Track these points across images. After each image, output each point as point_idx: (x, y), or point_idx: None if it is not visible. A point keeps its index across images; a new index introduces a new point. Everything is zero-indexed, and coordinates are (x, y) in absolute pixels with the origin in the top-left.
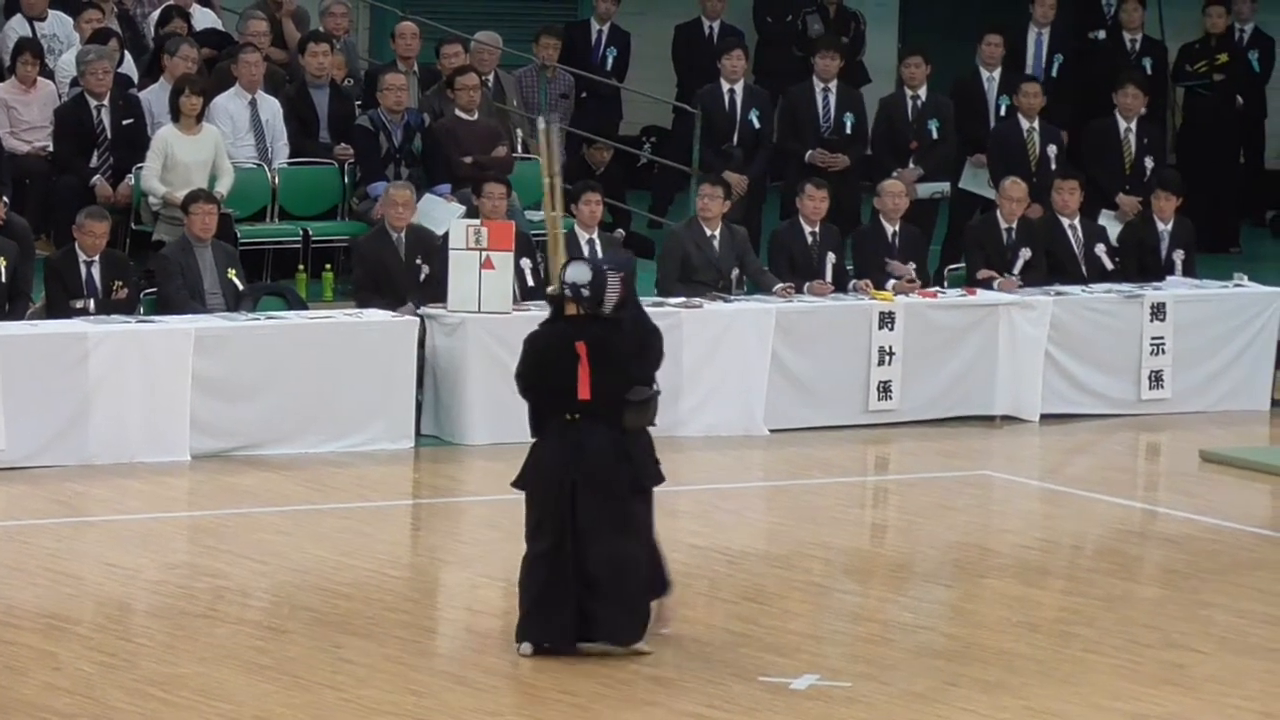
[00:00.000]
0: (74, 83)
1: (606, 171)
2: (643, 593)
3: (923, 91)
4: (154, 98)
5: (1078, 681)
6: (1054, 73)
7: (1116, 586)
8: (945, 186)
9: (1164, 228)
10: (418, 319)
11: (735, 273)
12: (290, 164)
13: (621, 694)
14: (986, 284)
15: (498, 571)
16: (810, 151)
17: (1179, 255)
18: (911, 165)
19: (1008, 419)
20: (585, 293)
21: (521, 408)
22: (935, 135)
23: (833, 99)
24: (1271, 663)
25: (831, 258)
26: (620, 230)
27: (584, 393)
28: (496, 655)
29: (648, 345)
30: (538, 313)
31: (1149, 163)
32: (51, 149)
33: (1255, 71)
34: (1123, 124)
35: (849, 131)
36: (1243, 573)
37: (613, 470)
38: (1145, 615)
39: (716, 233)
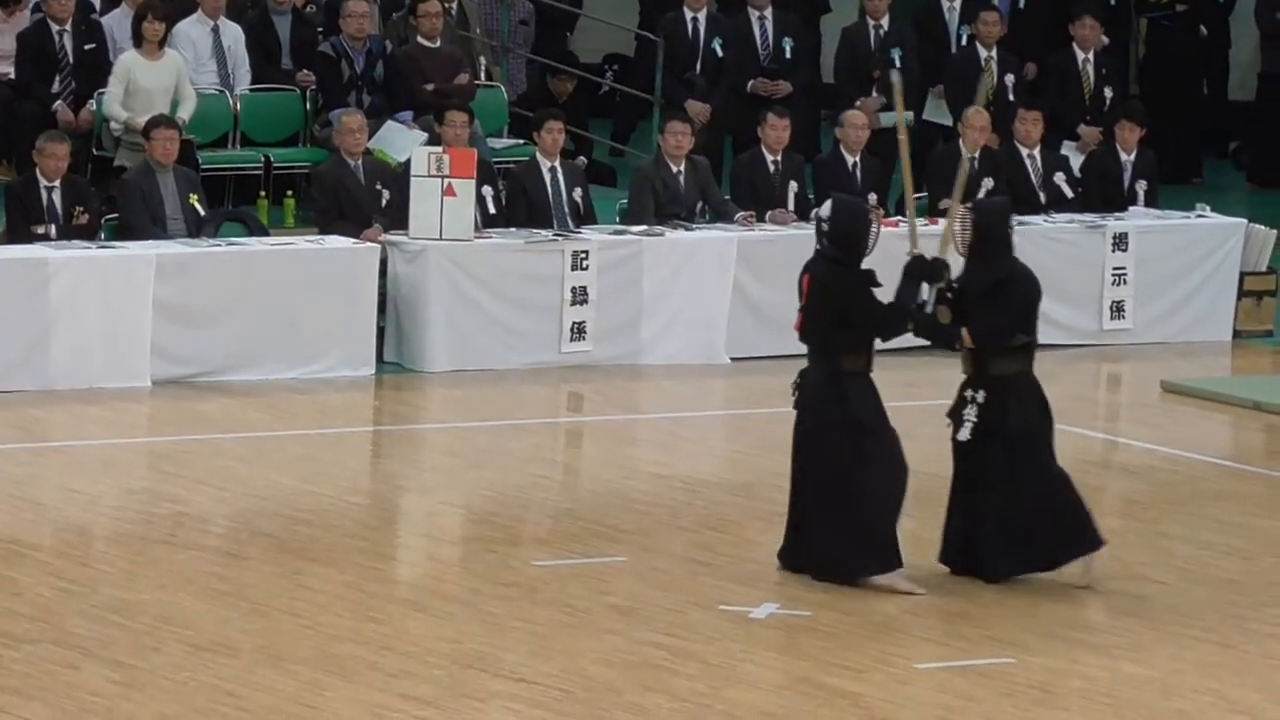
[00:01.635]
0: (36, 8)
1: (568, 99)
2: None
3: (885, 21)
4: (116, 23)
5: (1035, 612)
6: (1020, 3)
7: None
8: (910, 116)
9: (1127, 158)
10: (379, 246)
11: (699, 204)
12: (252, 90)
13: (581, 622)
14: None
15: (457, 499)
16: (751, 81)
17: (1141, 186)
18: (874, 95)
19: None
20: None
21: (480, 335)
22: (898, 64)
23: (769, 26)
24: (1231, 594)
25: (794, 186)
26: (582, 158)
27: None
28: (456, 582)
29: None
30: (500, 240)
31: (1108, 93)
32: (13, 75)
33: (1219, 2)
34: (1080, 55)
35: (789, 57)
36: (1203, 504)
37: None
38: (1107, 545)
39: (681, 168)
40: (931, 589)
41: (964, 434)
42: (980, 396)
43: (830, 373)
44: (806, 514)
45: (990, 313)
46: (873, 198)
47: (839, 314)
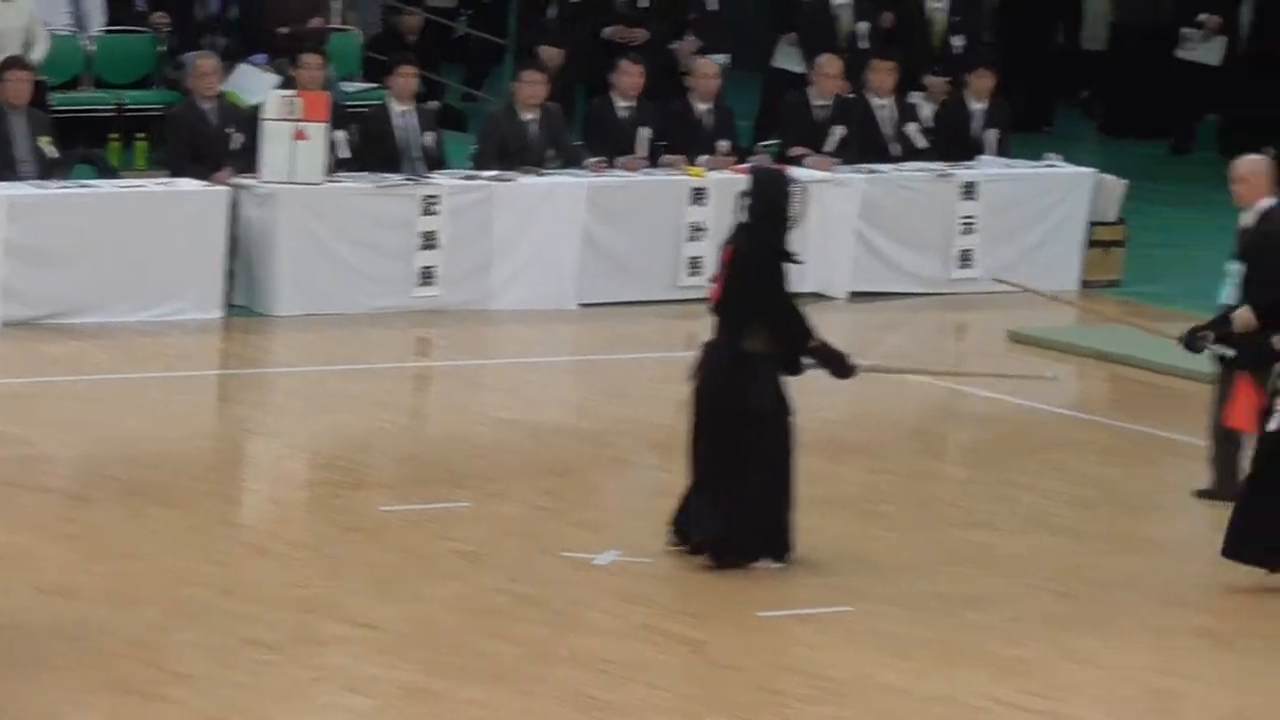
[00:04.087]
0: None
1: (421, 43)
2: None
3: None
4: None
5: (880, 560)
6: None
7: (921, 464)
8: (726, 57)
9: (979, 106)
10: (229, 189)
11: (550, 151)
12: (105, 32)
13: (425, 567)
14: (799, 161)
15: (304, 443)
16: (608, 28)
17: (993, 134)
18: (689, 37)
19: (817, 296)
20: None
21: (330, 279)
22: (715, 6)
23: None
24: (1073, 542)
25: (645, 133)
26: (434, 102)
27: None
28: (300, 526)
29: None
30: (351, 184)
31: (958, 42)
32: None
33: None
34: (934, 3)
35: (645, 4)
36: (1048, 452)
37: None
38: (949, 493)
39: (533, 115)
40: None
41: (1273, 424)
42: None
43: (732, 351)
44: (698, 493)
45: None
46: (724, 145)
47: (751, 294)
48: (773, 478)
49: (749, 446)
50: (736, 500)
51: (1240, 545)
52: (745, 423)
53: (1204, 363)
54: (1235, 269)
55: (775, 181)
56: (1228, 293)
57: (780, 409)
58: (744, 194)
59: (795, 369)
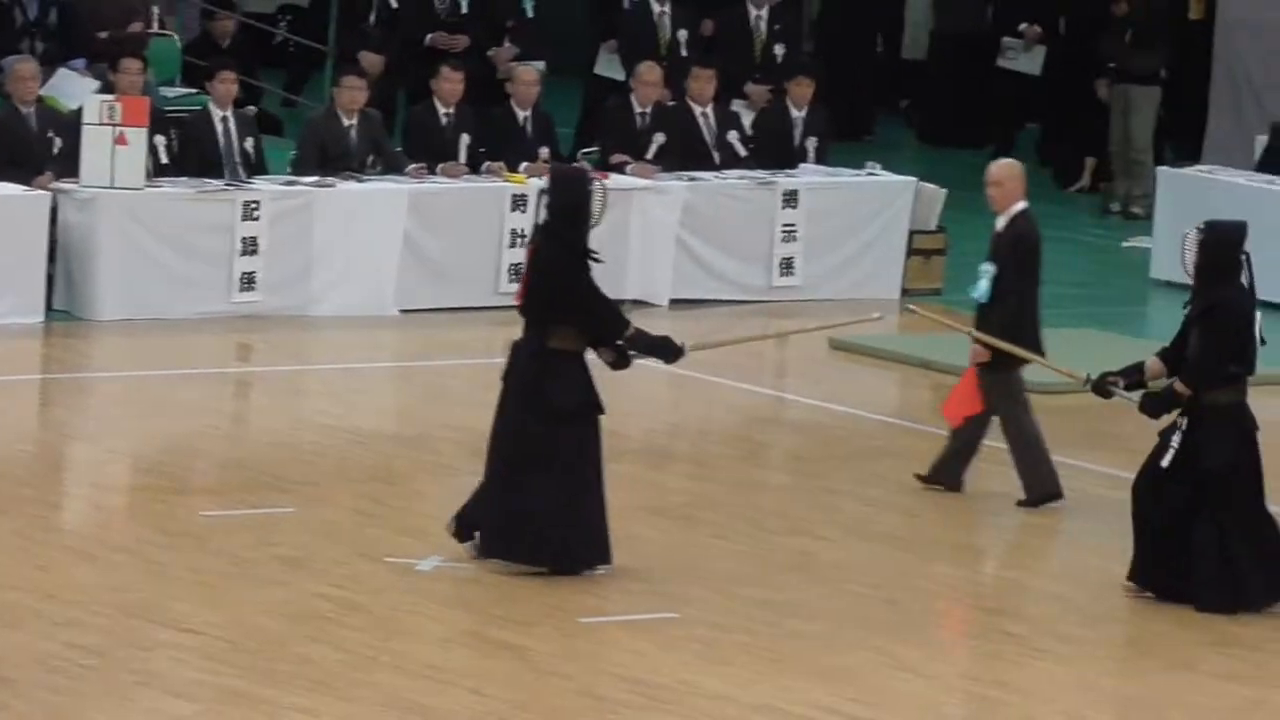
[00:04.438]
0: None
1: (240, 48)
2: None
3: None
4: None
5: (704, 567)
6: None
7: (744, 472)
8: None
9: (798, 114)
10: (49, 194)
11: (370, 157)
12: None
13: (248, 572)
14: (620, 168)
15: (126, 447)
16: (430, 34)
17: (812, 143)
18: (506, 44)
19: (638, 303)
20: None
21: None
22: (529, 14)
23: None
24: (895, 549)
25: (466, 139)
26: (252, 107)
27: None
28: (123, 531)
29: None
30: (172, 189)
31: (780, 50)
32: None
33: None
34: (754, 11)
35: (465, 11)
36: (869, 460)
37: None
38: (772, 501)
39: (353, 120)
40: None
41: (1167, 460)
42: (1185, 424)
43: (538, 349)
44: (491, 491)
45: (1202, 341)
46: (544, 152)
47: (553, 292)
48: (576, 478)
49: (553, 445)
50: (535, 500)
51: (1146, 576)
52: (550, 421)
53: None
54: (988, 269)
55: (574, 180)
56: (981, 291)
57: (586, 409)
58: (544, 193)
59: (623, 361)
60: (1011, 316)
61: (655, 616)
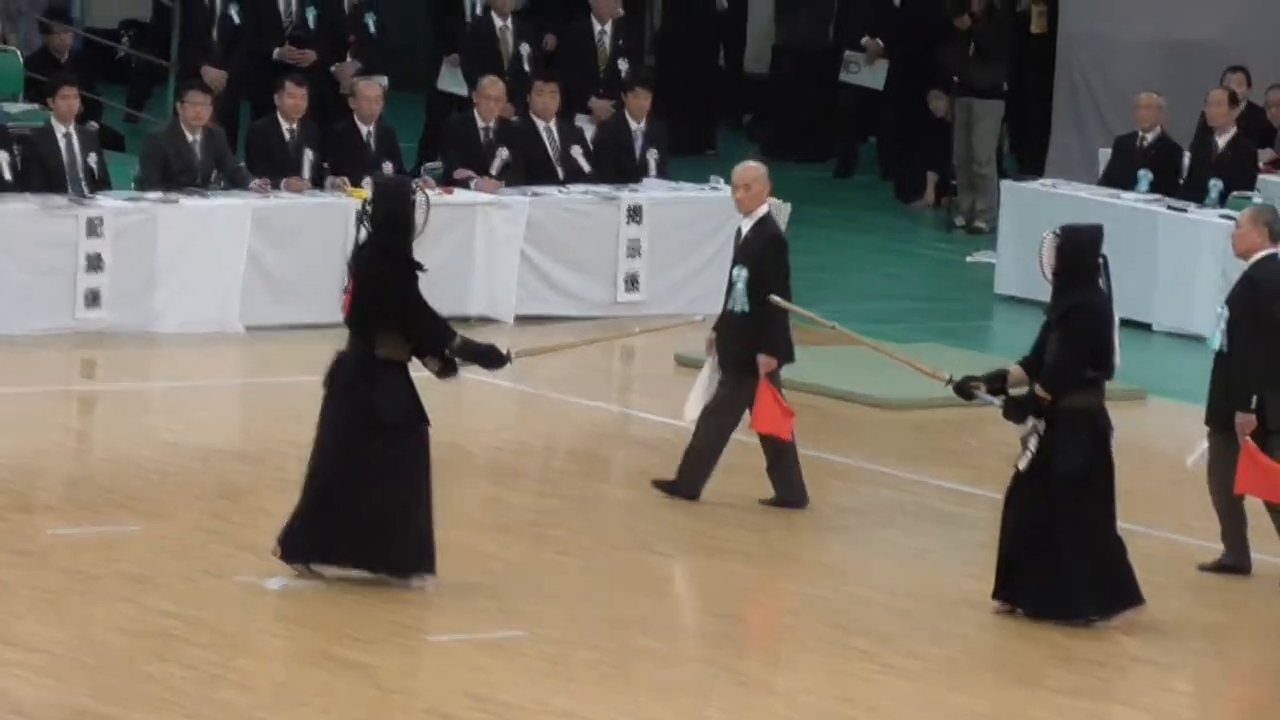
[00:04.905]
0: None
1: (82, 63)
2: None
3: None
4: None
5: (550, 584)
6: None
7: (590, 488)
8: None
9: (637, 127)
10: None
11: (214, 172)
12: None
13: (93, 590)
14: (464, 183)
15: None
16: (278, 49)
17: (653, 155)
18: (350, 59)
19: (483, 319)
20: None
21: None
22: (372, 29)
23: None
24: (741, 566)
25: (309, 154)
26: (94, 123)
27: None
28: None
29: None
30: (15, 205)
31: (624, 65)
32: None
33: None
34: (598, 26)
35: (313, 26)
36: (715, 477)
37: None
38: (618, 517)
39: (197, 136)
40: (442, 558)
41: (1023, 464)
42: (1042, 428)
43: (363, 358)
44: (313, 506)
45: (1060, 344)
46: (388, 166)
47: (379, 302)
48: (403, 486)
49: (380, 455)
50: (362, 506)
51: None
52: (366, 427)
53: (876, 387)
54: (742, 274)
55: (397, 190)
56: (736, 298)
57: (411, 419)
58: (367, 204)
59: (449, 370)
60: (770, 319)
61: (503, 634)
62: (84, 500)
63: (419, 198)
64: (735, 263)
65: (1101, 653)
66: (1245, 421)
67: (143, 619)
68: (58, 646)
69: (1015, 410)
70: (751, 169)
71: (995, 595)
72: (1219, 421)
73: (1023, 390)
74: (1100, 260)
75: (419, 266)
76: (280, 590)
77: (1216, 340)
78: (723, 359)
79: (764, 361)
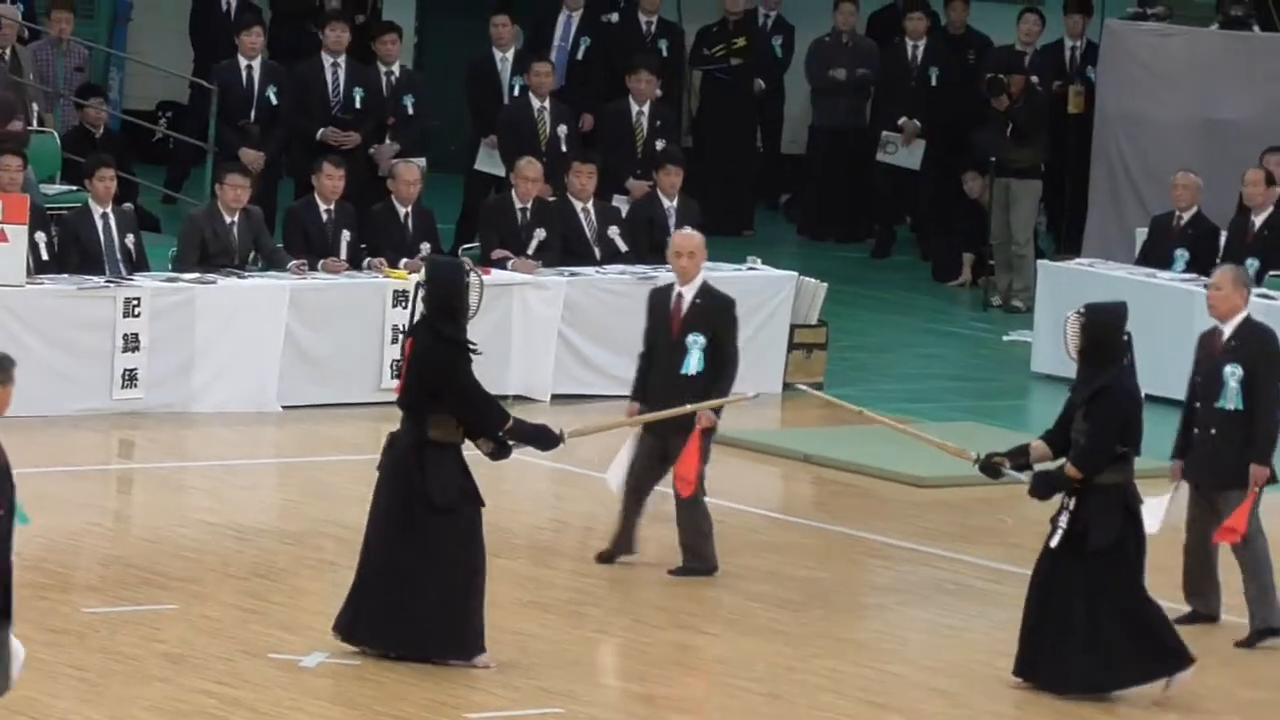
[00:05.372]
0: None
1: (118, 145)
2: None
3: (396, 67)
4: None
5: (587, 663)
6: (579, 55)
7: (626, 567)
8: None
9: (669, 204)
10: None
11: (251, 253)
12: None
13: (131, 669)
14: (501, 264)
15: None
16: (322, 129)
17: None
18: (388, 141)
19: (520, 398)
20: None
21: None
22: (410, 111)
23: (342, 74)
24: (779, 644)
25: (346, 235)
26: (129, 204)
27: None
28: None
29: None
30: (52, 286)
31: (661, 145)
32: None
33: (778, 58)
34: (635, 107)
35: (359, 107)
36: (752, 555)
37: None
38: (654, 596)
39: (235, 218)
40: (486, 640)
41: (1054, 540)
42: (1072, 504)
43: (416, 440)
44: (368, 586)
45: (1091, 426)
46: (425, 248)
47: (432, 385)
48: (457, 570)
49: (434, 538)
50: (417, 592)
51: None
52: (418, 509)
53: (911, 465)
54: (699, 340)
55: (450, 272)
56: (692, 364)
57: (465, 500)
58: (420, 286)
59: (502, 451)
60: (729, 382)
61: (540, 711)
62: (121, 580)
63: (473, 279)
64: (687, 330)
65: None
66: (1261, 472)
67: (180, 698)
68: None
69: (1043, 486)
70: (695, 237)
71: (1016, 672)
72: (1213, 480)
73: (1048, 465)
74: (1125, 338)
75: (473, 348)
76: (318, 668)
77: (1229, 401)
78: (670, 422)
79: (706, 417)
